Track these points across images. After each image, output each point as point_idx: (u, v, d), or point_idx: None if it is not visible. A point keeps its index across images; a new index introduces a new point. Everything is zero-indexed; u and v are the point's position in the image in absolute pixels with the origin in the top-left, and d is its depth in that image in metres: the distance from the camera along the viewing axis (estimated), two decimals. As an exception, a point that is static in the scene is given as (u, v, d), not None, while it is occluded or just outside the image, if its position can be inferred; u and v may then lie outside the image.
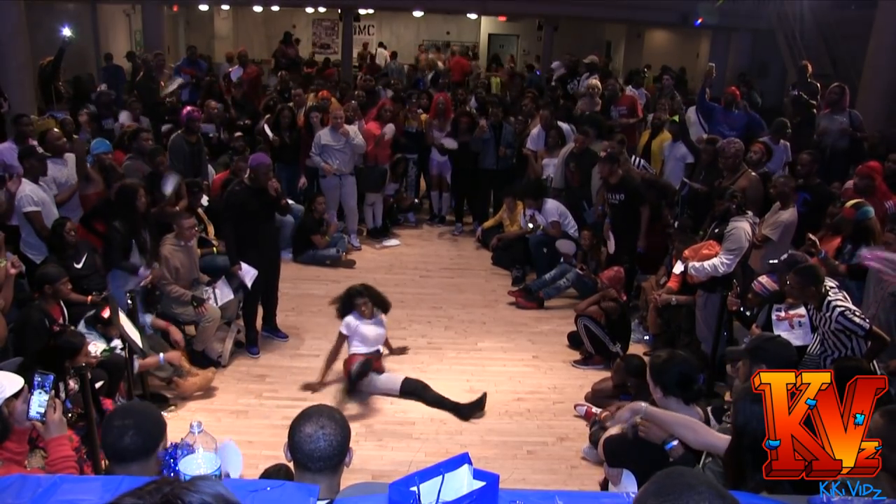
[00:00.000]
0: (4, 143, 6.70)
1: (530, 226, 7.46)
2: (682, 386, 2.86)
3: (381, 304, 5.50)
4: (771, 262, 5.16)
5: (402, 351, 5.92)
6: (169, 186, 6.25)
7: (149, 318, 5.35)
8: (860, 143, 8.17)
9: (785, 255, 4.90)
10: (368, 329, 5.37)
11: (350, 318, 5.35)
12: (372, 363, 5.28)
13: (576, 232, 7.42)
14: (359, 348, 5.36)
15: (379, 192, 8.58)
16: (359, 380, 5.21)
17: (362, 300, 5.35)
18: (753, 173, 6.37)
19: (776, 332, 4.49)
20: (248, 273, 5.70)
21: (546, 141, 8.24)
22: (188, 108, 7.71)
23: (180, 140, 7.24)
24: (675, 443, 2.76)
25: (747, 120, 8.41)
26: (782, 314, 4.57)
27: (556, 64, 13.93)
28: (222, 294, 5.81)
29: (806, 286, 4.20)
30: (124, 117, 8.60)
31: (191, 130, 7.35)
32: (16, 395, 2.69)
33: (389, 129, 8.38)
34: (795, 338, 4.46)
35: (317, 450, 2.11)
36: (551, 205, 7.46)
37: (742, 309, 5.01)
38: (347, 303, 5.39)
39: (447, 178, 9.09)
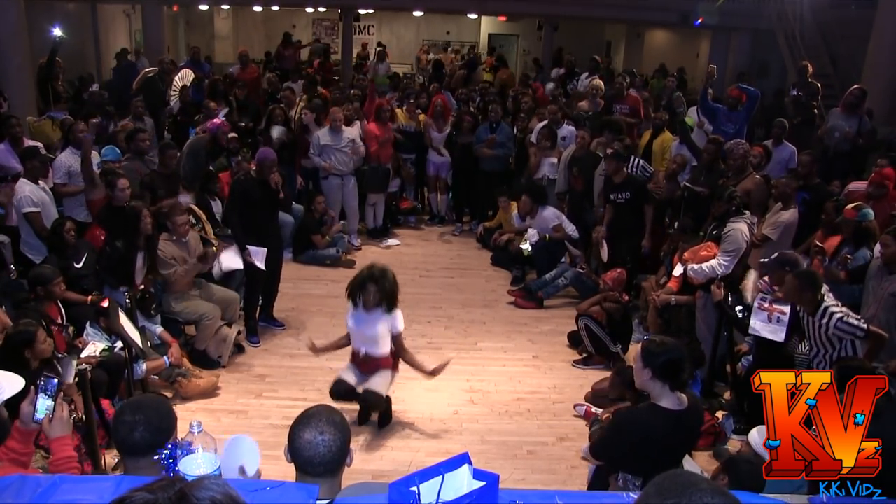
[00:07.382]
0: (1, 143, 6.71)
1: (528, 247, 7.43)
2: (668, 373, 2.99)
3: (388, 299, 4.56)
4: (761, 260, 5.12)
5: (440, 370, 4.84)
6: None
7: (158, 329, 5.34)
8: (862, 148, 8.13)
9: (775, 254, 4.86)
10: (361, 324, 4.61)
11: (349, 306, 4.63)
12: (345, 385, 4.62)
13: (575, 233, 7.42)
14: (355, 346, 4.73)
15: (382, 192, 8.58)
16: (338, 400, 4.52)
17: (373, 288, 4.49)
18: (758, 176, 6.36)
19: (753, 320, 4.52)
20: (258, 254, 5.76)
21: (539, 138, 8.22)
22: (218, 121, 7.62)
23: (200, 144, 7.20)
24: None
25: (747, 107, 8.26)
26: (766, 304, 4.53)
27: (555, 72, 13.99)
28: (228, 258, 5.80)
29: (804, 291, 4.18)
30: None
31: (216, 140, 7.32)
32: (22, 397, 2.69)
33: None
34: (770, 332, 4.45)
35: (316, 456, 2.10)
36: (549, 212, 7.45)
37: (741, 313, 5.00)
38: (359, 285, 4.54)
39: (445, 178, 9.11)
